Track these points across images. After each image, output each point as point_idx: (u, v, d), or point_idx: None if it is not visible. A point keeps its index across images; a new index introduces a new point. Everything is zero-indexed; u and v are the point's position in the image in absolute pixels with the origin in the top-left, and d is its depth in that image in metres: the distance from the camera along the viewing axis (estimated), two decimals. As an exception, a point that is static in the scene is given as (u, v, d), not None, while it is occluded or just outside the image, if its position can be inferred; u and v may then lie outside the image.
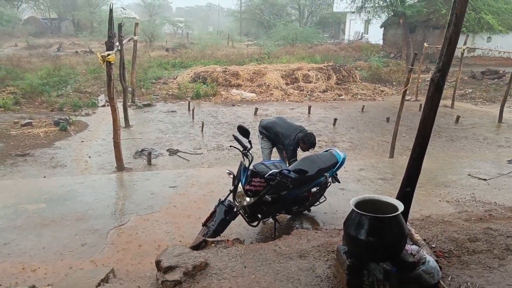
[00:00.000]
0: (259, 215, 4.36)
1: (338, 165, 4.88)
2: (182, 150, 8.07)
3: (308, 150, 5.66)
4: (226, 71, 16.12)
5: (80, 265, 3.96)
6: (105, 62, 6.62)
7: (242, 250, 3.36)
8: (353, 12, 26.60)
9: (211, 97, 13.72)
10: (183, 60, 21.29)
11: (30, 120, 9.69)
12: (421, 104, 12.32)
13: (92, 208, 5.20)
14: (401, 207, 2.71)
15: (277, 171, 4.18)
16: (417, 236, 3.30)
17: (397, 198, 3.12)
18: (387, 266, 2.69)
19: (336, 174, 4.97)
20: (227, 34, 39.12)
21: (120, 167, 6.84)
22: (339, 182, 5.10)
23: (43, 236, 4.49)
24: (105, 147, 8.04)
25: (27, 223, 4.78)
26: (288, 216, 4.92)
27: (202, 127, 9.60)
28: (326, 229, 4.33)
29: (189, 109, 11.52)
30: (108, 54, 6.54)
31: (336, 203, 5.38)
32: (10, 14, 21.54)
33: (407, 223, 3.25)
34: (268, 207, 4.29)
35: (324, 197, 4.99)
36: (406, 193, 3.19)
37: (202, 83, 14.95)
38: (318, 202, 4.97)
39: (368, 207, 2.80)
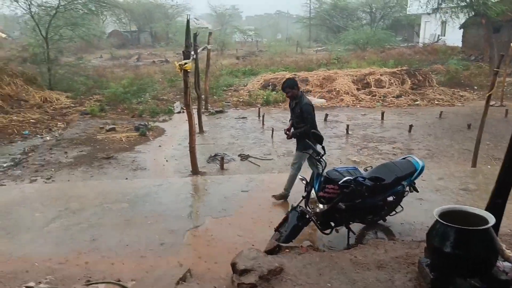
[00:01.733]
0: (332, 223, 4.29)
1: (416, 173, 4.66)
2: (253, 155, 8.20)
3: (286, 93, 5.72)
4: (295, 78, 16.12)
5: (160, 263, 4.17)
6: (182, 71, 6.93)
7: (316, 258, 3.33)
8: (429, 14, 25.32)
9: (280, 104, 13.80)
10: (253, 67, 21.66)
11: (113, 126, 10.44)
12: (507, 110, 11.37)
13: (170, 210, 5.46)
14: (492, 219, 2.52)
15: (351, 178, 4.10)
16: (509, 253, 3.04)
17: (486, 210, 2.90)
18: (475, 283, 2.51)
19: (414, 183, 4.75)
20: (296, 41, 39.19)
21: (195, 171, 7.12)
22: (417, 192, 4.86)
23: (127, 234, 4.80)
24: (181, 151, 8.41)
25: (112, 222, 5.15)
26: (362, 225, 4.78)
27: (272, 133, 9.68)
28: (403, 240, 4.14)
29: (259, 116, 11.69)
30: (185, 63, 6.84)
31: (414, 213, 5.12)
32: (96, 28, 23.54)
33: (498, 237, 3.01)
34: (341, 215, 4.21)
35: (401, 206, 4.77)
36: (496, 205, 2.96)
37: (271, 90, 15.10)
38: (394, 212, 4.77)
39: (453, 218, 2.64)
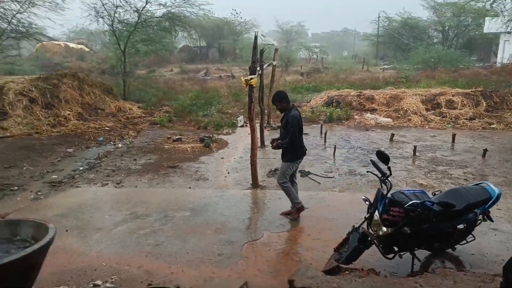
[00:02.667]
0: (396, 248, 4.10)
1: (491, 201, 4.32)
2: (313, 172, 8.11)
3: (276, 106, 5.70)
4: (361, 95, 15.82)
5: (218, 273, 4.22)
6: (248, 85, 7.09)
7: (378, 283, 3.19)
8: (509, 33, 23.78)
9: (344, 121, 13.58)
10: (317, 84, 21.60)
11: (180, 136, 10.87)
12: None
13: (229, 221, 5.54)
14: None
15: (418, 201, 3.91)
16: None
17: None
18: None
19: (489, 212, 4.41)
20: (362, 58, 38.53)
21: (255, 184, 7.18)
22: (492, 221, 4.50)
23: (187, 242, 4.93)
24: (242, 164, 8.54)
25: (174, 229, 5.32)
26: (428, 253, 4.51)
27: (334, 150, 9.52)
28: (475, 273, 3.84)
29: (321, 132, 11.58)
30: (251, 78, 7.00)
31: (487, 244, 4.76)
32: (169, 44, 24.88)
33: None
34: (406, 240, 4.00)
35: (473, 236, 4.45)
36: None
37: (335, 107, 14.93)
38: (464, 241, 4.46)
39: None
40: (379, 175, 4.18)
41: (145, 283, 3.95)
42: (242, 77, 7.42)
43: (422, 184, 7.28)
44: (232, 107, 15.90)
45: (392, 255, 4.11)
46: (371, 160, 4.52)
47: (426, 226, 3.98)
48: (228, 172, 8.09)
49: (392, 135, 11.03)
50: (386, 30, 42.18)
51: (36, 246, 2.44)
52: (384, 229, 3.98)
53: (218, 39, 46.71)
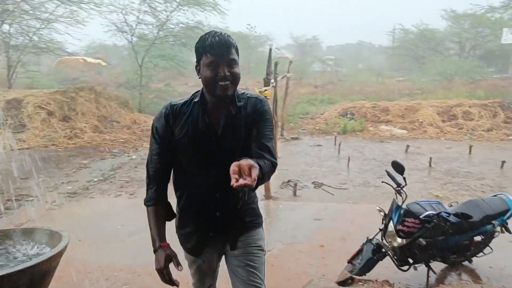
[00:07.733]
0: (410, 260, 4.00)
1: (510, 213, 4.21)
2: (327, 183, 8.03)
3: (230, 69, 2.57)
4: (375, 107, 15.72)
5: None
6: (261, 97, 7.11)
7: (391, 294, 3.11)
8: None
9: (358, 133, 13.49)
10: (331, 96, 21.62)
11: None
12: None
13: (241, 232, 5.50)
14: None
15: (434, 212, 3.83)
16: None
17: None
18: None
19: (507, 224, 4.29)
20: (377, 71, 38.37)
21: (267, 195, 7.14)
22: (511, 233, 4.37)
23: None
24: (255, 176, 8.50)
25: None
26: (444, 265, 4.39)
27: (348, 162, 9.44)
28: (491, 286, 3.73)
29: (335, 144, 11.51)
30: (265, 90, 7.03)
31: (505, 257, 4.61)
32: (185, 57, 25.22)
33: None
34: (421, 252, 3.91)
35: (490, 248, 4.32)
36: None
37: (349, 119, 14.86)
38: (482, 254, 4.33)
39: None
40: (394, 185, 4.12)
41: (155, 293, 3.93)
42: (256, 89, 7.45)
43: (438, 196, 7.13)
44: (246, 119, 15.94)
45: (407, 267, 4.02)
46: (386, 171, 4.45)
47: (442, 237, 3.89)
48: (241, 184, 8.04)
49: (407, 146, 10.89)
50: (402, 42, 42.02)
51: (49, 254, 2.46)
52: (399, 240, 3.90)
53: (233, 53, 47.13)
